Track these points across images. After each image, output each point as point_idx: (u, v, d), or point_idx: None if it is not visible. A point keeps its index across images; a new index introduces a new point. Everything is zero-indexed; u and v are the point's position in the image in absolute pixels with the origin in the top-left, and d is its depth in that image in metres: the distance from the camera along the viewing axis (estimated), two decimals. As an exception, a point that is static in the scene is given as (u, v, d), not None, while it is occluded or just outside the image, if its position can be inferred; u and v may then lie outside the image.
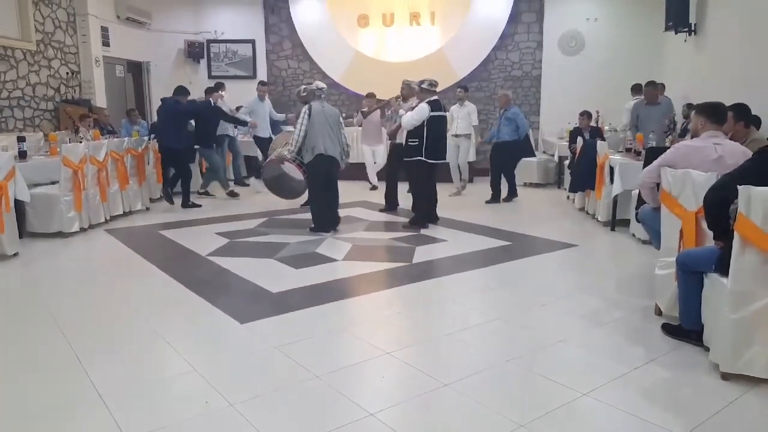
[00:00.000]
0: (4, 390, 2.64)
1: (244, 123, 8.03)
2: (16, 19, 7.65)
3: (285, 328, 3.39)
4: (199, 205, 7.18)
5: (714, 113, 3.48)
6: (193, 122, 7.53)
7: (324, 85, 5.86)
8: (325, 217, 5.75)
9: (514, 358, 2.94)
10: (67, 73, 8.60)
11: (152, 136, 7.48)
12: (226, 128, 8.10)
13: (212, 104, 7.65)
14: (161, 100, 7.67)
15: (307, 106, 5.56)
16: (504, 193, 7.74)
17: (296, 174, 6.00)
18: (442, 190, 6.67)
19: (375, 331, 3.40)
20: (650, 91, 7.14)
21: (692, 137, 3.66)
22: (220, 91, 8.02)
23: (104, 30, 9.28)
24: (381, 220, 6.42)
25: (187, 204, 7.11)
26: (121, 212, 6.45)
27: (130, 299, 3.93)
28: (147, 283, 4.30)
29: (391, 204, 6.93)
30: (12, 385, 2.69)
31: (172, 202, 7.16)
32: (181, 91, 7.30)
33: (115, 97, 9.77)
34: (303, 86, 5.89)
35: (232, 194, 7.83)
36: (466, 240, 5.52)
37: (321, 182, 5.67)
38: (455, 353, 3.08)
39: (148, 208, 7.07)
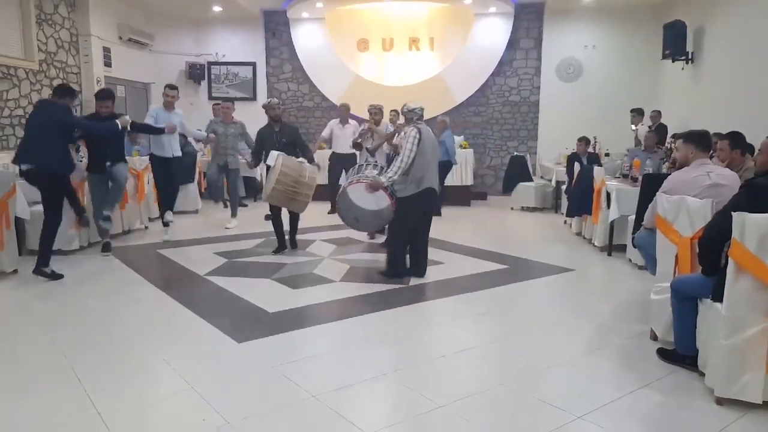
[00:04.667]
0: (2, 409, 2.63)
1: (158, 131, 6.05)
2: (20, 39, 7.75)
3: (282, 347, 3.39)
4: (59, 276, 4.77)
5: (702, 141, 3.54)
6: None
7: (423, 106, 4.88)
8: (404, 262, 4.92)
9: (508, 381, 2.95)
10: (70, 93, 8.67)
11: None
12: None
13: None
14: (37, 104, 5.46)
15: (415, 129, 4.62)
16: None
17: (371, 204, 5.00)
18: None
19: (371, 352, 3.40)
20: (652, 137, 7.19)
21: (679, 167, 3.69)
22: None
23: (106, 51, 9.38)
24: (378, 241, 6.44)
25: (42, 270, 4.72)
26: (120, 231, 6.46)
27: (128, 318, 3.93)
28: (145, 302, 4.30)
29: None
30: (11, 404, 2.68)
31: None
32: (67, 92, 5.09)
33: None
34: (405, 105, 4.88)
35: (106, 248, 5.71)
36: (462, 263, 5.53)
37: (416, 221, 4.78)
38: (450, 375, 3.09)
39: (146, 227, 7.08)
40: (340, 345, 3.51)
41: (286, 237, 5.87)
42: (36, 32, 7.96)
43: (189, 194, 8.16)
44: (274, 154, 5.34)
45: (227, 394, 2.78)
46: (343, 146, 7.94)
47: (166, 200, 6.47)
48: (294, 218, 5.89)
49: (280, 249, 5.79)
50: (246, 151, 7.14)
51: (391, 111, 8.30)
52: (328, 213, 8.14)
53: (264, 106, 5.84)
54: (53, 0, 8.33)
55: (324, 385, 2.86)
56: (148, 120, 6.24)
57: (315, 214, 7.92)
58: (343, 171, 7.13)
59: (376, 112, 6.88)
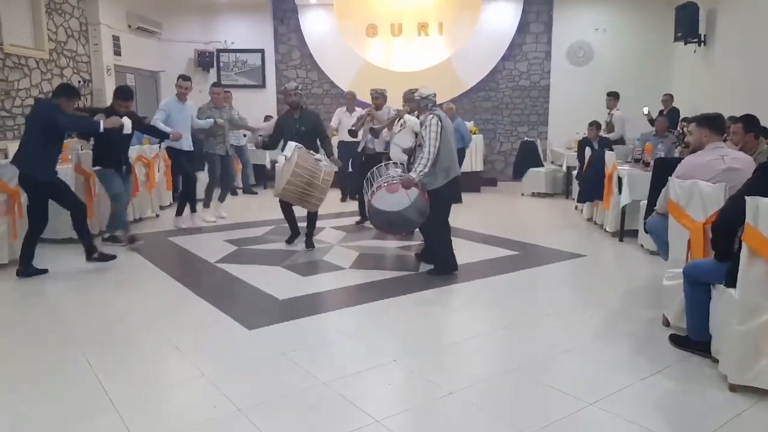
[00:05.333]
0: (18, 398, 2.67)
1: (163, 135, 5.85)
2: (30, 29, 7.77)
3: (292, 334, 3.41)
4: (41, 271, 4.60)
5: (716, 124, 3.49)
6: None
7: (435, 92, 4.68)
8: (453, 254, 4.69)
9: (519, 367, 2.94)
10: (79, 82, 8.71)
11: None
12: (238, 137, 7.49)
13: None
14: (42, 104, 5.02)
15: (435, 117, 4.39)
16: None
17: (401, 202, 4.61)
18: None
19: (381, 339, 3.41)
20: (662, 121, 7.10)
21: (692, 151, 3.65)
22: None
23: (116, 39, 9.38)
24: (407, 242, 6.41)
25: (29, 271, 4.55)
26: (132, 219, 6.50)
27: (139, 305, 3.97)
28: (156, 290, 4.34)
29: (365, 215, 6.56)
30: (25, 393, 2.71)
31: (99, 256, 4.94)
32: (61, 91, 4.79)
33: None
34: (413, 91, 4.73)
35: (132, 240, 5.52)
36: (473, 249, 5.51)
37: (448, 213, 4.68)
38: (461, 362, 3.09)
39: (157, 215, 7.12)
40: (350, 332, 3.52)
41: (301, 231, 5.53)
42: (46, 21, 7.97)
43: (202, 183, 8.15)
44: (291, 145, 4.95)
45: (238, 381, 2.80)
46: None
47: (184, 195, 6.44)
48: (311, 217, 5.47)
49: (293, 237, 5.60)
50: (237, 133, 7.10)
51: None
52: (340, 200, 8.16)
53: (282, 93, 5.57)
54: (62, -11, 8.34)
55: (334, 371, 2.87)
56: (160, 115, 6.11)
57: (326, 201, 7.94)
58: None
59: (377, 96, 6.60)
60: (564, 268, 4.99)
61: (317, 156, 5.03)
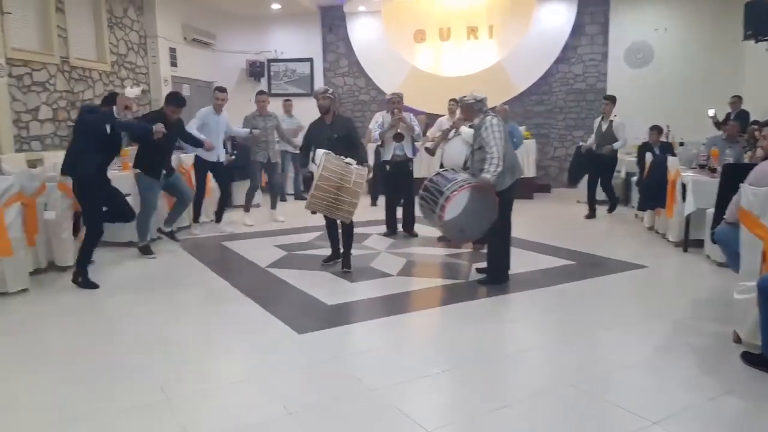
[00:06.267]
0: (80, 392, 2.74)
1: (198, 143, 5.91)
2: (93, 42, 8.15)
3: (341, 340, 3.39)
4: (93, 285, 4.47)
5: None
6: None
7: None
8: (508, 263, 4.59)
9: (577, 381, 2.80)
10: (141, 92, 9.05)
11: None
12: (293, 143, 7.38)
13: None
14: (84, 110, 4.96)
15: (496, 117, 4.33)
16: None
17: (474, 208, 4.29)
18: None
19: (431, 348, 3.34)
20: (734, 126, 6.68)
21: (765, 157, 3.41)
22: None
23: (172, 51, 9.71)
24: (435, 235, 6.33)
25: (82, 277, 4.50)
26: (187, 224, 6.65)
27: (192, 306, 4.06)
28: (209, 292, 4.42)
29: (393, 227, 6.42)
30: (87, 387, 2.79)
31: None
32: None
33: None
34: (468, 97, 4.51)
35: (146, 249, 5.50)
36: (526, 258, 5.34)
37: (510, 214, 4.52)
38: (515, 375, 2.97)
39: (212, 220, 7.27)
40: (398, 339, 3.46)
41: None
42: (108, 35, 8.33)
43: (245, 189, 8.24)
44: (320, 152, 4.51)
45: (288, 384, 2.80)
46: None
47: (197, 206, 6.43)
48: (347, 232, 4.88)
49: (330, 258, 5.08)
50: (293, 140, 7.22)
51: (450, 100, 8.10)
52: (370, 205, 8.19)
53: (314, 96, 5.14)
54: (123, 4, 8.70)
55: (383, 379, 2.82)
56: (195, 122, 6.19)
57: (365, 205, 7.98)
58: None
59: (398, 100, 6.19)
60: (623, 279, 4.76)
61: (347, 159, 4.54)
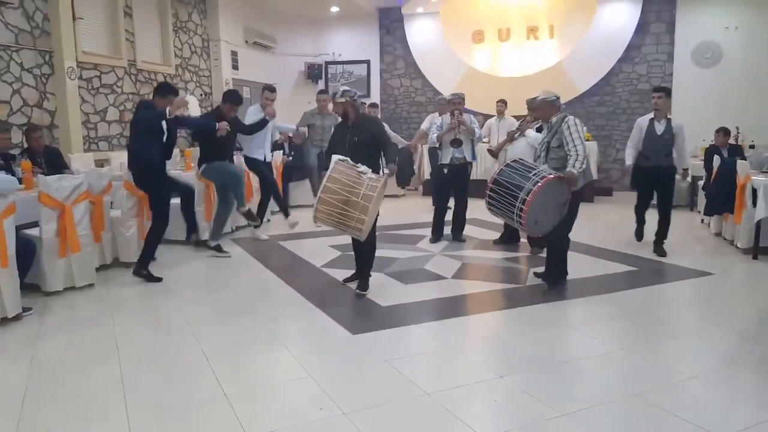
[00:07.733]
0: (144, 387, 2.85)
1: (255, 129, 6.00)
2: (159, 46, 8.50)
3: (395, 342, 3.39)
4: (156, 279, 4.70)
5: None
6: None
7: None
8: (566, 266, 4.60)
9: (639, 392, 2.70)
10: (201, 95, 9.37)
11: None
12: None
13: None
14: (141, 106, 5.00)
15: (573, 117, 4.29)
16: None
17: (553, 200, 4.15)
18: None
19: (487, 353, 3.30)
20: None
21: None
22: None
23: (234, 54, 10.00)
24: (491, 238, 6.25)
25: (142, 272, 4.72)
26: (246, 223, 6.82)
27: (250, 304, 4.15)
28: (267, 291, 4.52)
29: (439, 234, 6.16)
30: (150, 383, 2.90)
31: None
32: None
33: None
34: (545, 95, 4.41)
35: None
36: (587, 263, 5.20)
37: (574, 218, 4.46)
38: (574, 382, 2.90)
39: (269, 220, 7.43)
40: (453, 343, 3.43)
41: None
42: (173, 39, 8.67)
43: (306, 188, 8.41)
44: (333, 159, 3.97)
45: (343, 385, 2.82)
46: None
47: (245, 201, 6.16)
48: (363, 249, 4.39)
49: (351, 278, 4.61)
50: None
51: (498, 102, 7.96)
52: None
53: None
54: (187, 8, 9.03)
55: (438, 383, 2.81)
56: (246, 121, 6.16)
57: (419, 207, 7.93)
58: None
59: (459, 101, 5.93)
60: (689, 287, 4.56)
61: (362, 168, 3.95)
